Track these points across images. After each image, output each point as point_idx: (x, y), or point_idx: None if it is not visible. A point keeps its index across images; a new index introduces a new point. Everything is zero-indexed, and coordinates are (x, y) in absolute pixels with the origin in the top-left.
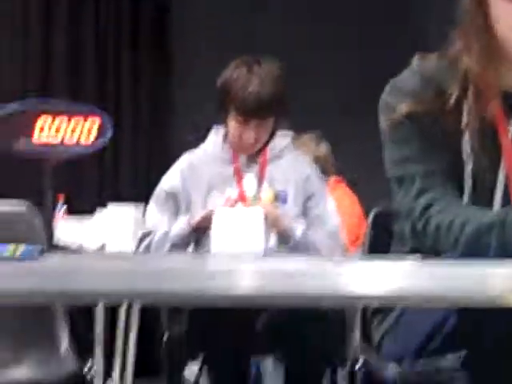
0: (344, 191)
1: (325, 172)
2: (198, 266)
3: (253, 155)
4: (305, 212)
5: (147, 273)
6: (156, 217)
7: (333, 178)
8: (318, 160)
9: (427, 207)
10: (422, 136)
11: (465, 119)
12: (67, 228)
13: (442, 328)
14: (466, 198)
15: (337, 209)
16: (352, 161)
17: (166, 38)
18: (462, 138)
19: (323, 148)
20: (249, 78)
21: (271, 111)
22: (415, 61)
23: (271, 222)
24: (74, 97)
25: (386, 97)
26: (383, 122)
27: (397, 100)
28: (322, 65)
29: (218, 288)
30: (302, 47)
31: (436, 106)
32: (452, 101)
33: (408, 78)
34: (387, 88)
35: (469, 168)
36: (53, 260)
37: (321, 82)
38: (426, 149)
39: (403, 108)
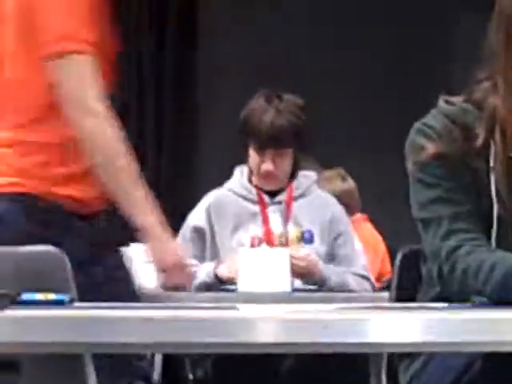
0: (369, 229)
1: (349, 209)
2: (222, 314)
3: (277, 194)
4: (332, 251)
5: (170, 323)
6: None
7: (358, 216)
8: (342, 197)
9: (454, 250)
10: (449, 177)
11: (492, 161)
12: None
13: (469, 370)
14: (493, 240)
15: (362, 247)
16: (376, 198)
17: (191, 76)
18: (489, 179)
19: (348, 184)
20: (266, 109)
21: (286, 142)
22: (441, 102)
23: (305, 274)
24: None
25: (412, 138)
26: (410, 164)
27: (424, 141)
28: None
29: (244, 337)
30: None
31: (463, 147)
32: (479, 142)
33: (434, 119)
34: (414, 129)
35: (496, 210)
36: (79, 309)
37: (347, 117)
38: (453, 190)
39: (430, 149)
